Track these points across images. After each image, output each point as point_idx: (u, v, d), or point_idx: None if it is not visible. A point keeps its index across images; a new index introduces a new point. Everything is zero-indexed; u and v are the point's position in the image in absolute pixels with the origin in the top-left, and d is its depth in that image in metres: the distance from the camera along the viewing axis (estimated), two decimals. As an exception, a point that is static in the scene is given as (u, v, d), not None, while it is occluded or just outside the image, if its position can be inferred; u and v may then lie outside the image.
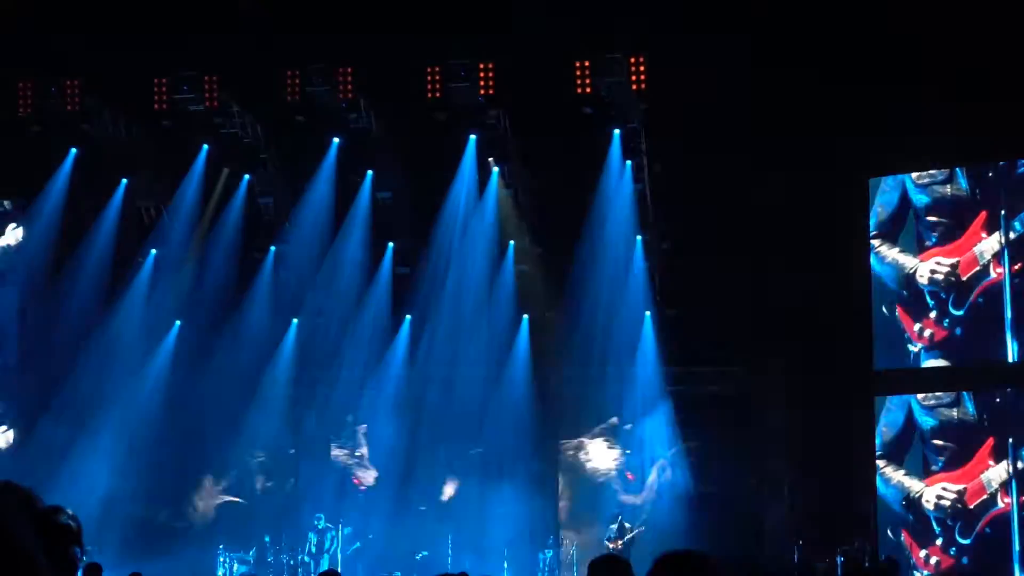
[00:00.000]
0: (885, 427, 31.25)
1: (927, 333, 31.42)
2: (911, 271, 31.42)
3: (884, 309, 31.73)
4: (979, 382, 30.66)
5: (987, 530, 30.52)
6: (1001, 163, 31.12)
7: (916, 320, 31.56)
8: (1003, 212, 31.10)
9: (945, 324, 31.37)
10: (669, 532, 30.15)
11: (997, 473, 30.58)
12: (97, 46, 30.27)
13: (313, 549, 30.65)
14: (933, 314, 31.45)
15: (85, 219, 32.99)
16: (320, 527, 30.86)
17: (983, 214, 31.34)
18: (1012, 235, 31.14)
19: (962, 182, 31.65)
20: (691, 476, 31.34)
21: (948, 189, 31.83)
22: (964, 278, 31.20)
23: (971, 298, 31.28)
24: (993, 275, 31.10)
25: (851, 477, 29.66)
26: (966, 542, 30.45)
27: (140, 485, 32.03)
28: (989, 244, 31.32)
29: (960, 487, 30.56)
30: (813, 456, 30.06)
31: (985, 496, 30.54)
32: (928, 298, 31.54)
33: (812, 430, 30.20)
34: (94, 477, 32.43)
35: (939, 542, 30.56)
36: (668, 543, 27.53)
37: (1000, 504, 30.43)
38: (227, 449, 32.49)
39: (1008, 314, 30.97)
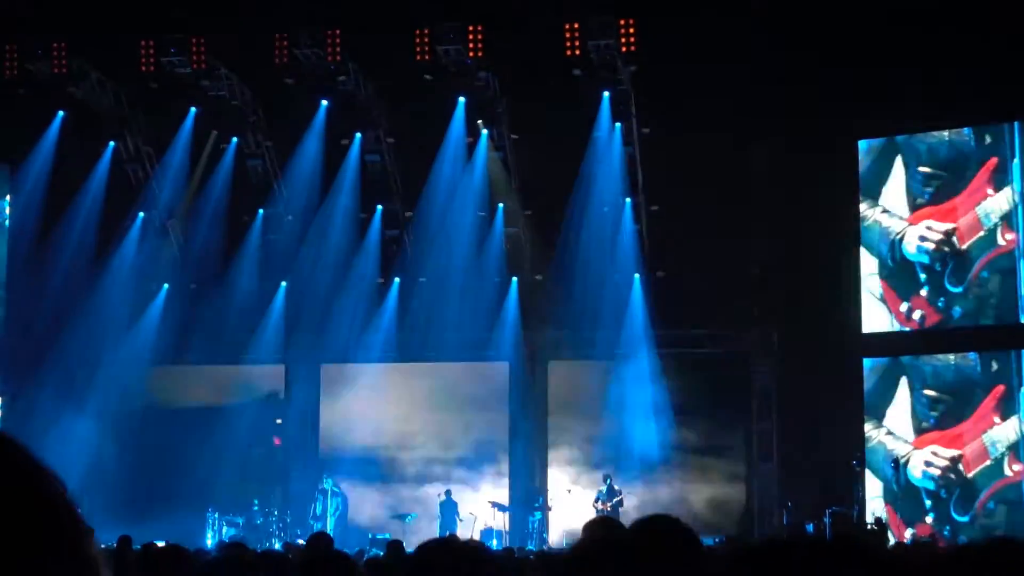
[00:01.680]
0: (864, 373, 29.92)
1: (917, 315, 29.44)
2: (897, 236, 29.60)
3: (864, 284, 30.11)
4: (987, 345, 28.55)
5: (990, 505, 27.77)
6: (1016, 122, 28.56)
7: (903, 298, 29.46)
8: (1016, 161, 28.27)
9: (940, 305, 29.12)
10: (659, 494, 30.21)
11: (1004, 433, 27.76)
12: (83, 8, 30.13)
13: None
14: (924, 291, 29.19)
15: (72, 182, 32.89)
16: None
17: (991, 163, 28.41)
18: None
19: (965, 128, 28.98)
20: (682, 437, 31.35)
21: (946, 134, 29.31)
22: (964, 246, 28.61)
23: (973, 272, 28.59)
24: (1002, 242, 28.21)
25: (841, 439, 29.61)
26: (963, 519, 27.96)
27: (128, 449, 32.03)
28: (997, 202, 28.38)
29: (956, 452, 28.31)
30: (803, 418, 30.05)
31: (988, 462, 27.85)
32: (918, 271, 29.30)
33: (802, 392, 30.18)
34: (82, 441, 32.44)
35: (929, 519, 28.32)
36: (658, 505, 27.60)
37: (1008, 472, 27.66)
38: (215, 413, 32.46)
39: (1023, 291, 28.12)
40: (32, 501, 1.34)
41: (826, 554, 2.48)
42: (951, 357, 29.05)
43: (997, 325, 28.73)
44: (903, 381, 29.35)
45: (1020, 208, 28.40)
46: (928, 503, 28.65)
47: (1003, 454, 27.96)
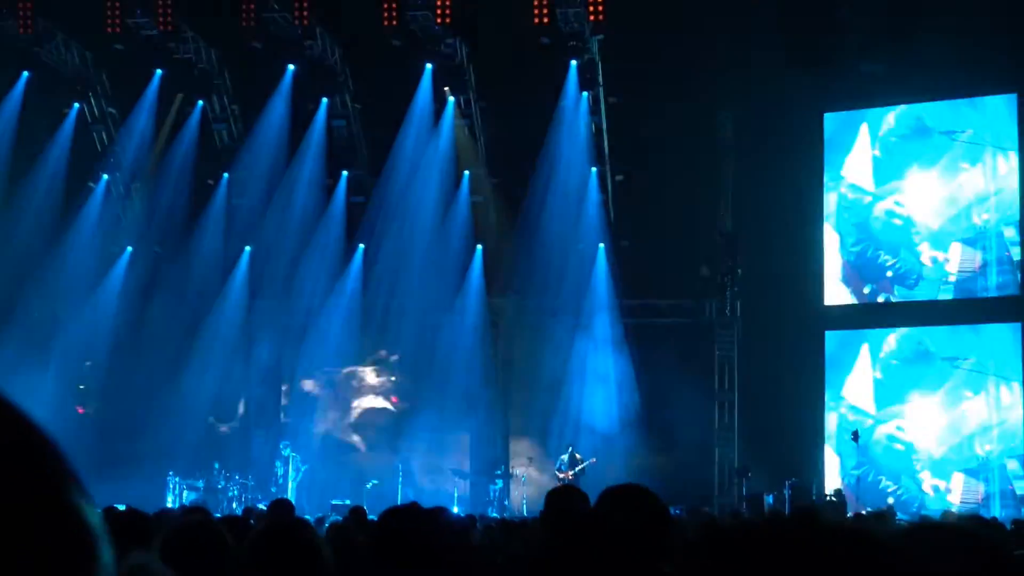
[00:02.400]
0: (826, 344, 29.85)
1: (881, 298, 29.56)
2: (864, 213, 29.70)
3: (826, 263, 30.16)
4: (953, 319, 28.60)
5: (957, 487, 27.68)
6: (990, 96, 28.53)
7: (867, 280, 29.52)
8: (988, 136, 28.22)
9: (908, 283, 29.19)
10: (620, 463, 30.27)
11: (974, 410, 27.85)
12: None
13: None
14: (890, 272, 29.32)
15: (37, 143, 32.75)
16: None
17: (966, 135, 28.37)
18: (1005, 166, 27.92)
19: (938, 101, 28.88)
20: (643, 407, 31.41)
21: (919, 105, 29.28)
22: (936, 225, 28.71)
23: (945, 252, 28.62)
24: (976, 221, 28.28)
25: (802, 411, 29.74)
26: (928, 501, 27.83)
27: (90, 410, 31.96)
28: (972, 179, 28.42)
29: (925, 425, 28.36)
30: (765, 389, 30.15)
31: (958, 441, 27.93)
32: (885, 250, 29.30)
33: (764, 363, 30.29)
34: (43, 401, 32.33)
35: (892, 500, 27.92)
36: (619, 475, 27.65)
37: (978, 452, 27.68)
38: (178, 376, 32.38)
39: (993, 277, 28.16)
40: (25, 462, 1.32)
41: (792, 537, 2.48)
42: (920, 330, 29.14)
43: (964, 299, 28.72)
44: (865, 352, 29.43)
45: (994, 185, 28.43)
46: (890, 485, 28.56)
47: (973, 433, 27.92)
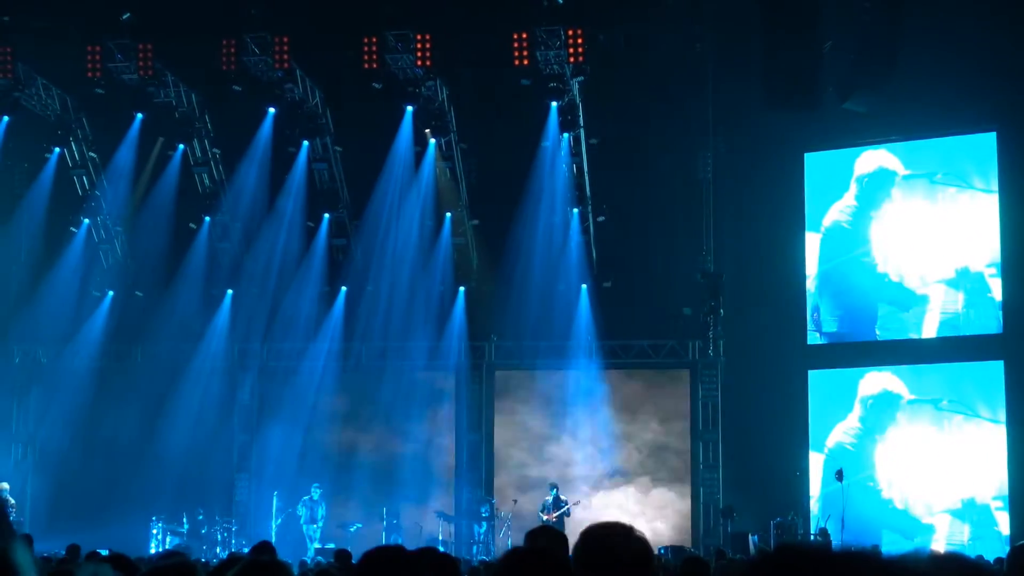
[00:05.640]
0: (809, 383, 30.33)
1: (864, 337, 30.19)
2: (843, 255, 30.26)
3: (807, 306, 30.69)
4: (937, 358, 29.04)
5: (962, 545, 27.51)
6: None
7: (849, 320, 30.27)
8: (968, 175, 28.87)
9: (881, 330, 29.86)
10: (603, 504, 30.20)
11: (958, 449, 28.05)
12: (29, 13, 29.92)
13: (306, 522, 30.28)
14: (881, 311, 29.93)
15: (18, 188, 32.72)
16: (316, 498, 30.48)
17: (946, 175, 29.05)
18: (985, 206, 28.54)
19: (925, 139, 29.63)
20: (627, 448, 31.37)
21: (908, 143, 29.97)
22: (918, 269, 29.30)
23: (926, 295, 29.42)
24: (958, 261, 29.15)
25: (786, 449, 29.72)
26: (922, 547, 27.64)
27: (72, 455, 31.83)
28: (952, 219, 29.32)
29: (908, 466, 28.64)
30: (749, 428, 30.14)
31: (942, 481, 28.22)
32: (865, 293, 29.98)
33: (748, 402, 30.29)
34: (27, 448, 32.26)
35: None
36: (602, 516, 27.54)
37: (962, 492, 28.05)
38: (160, 420, 32.24)
39: (975, 317, 28.88)
40: None
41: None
42: (902, 368, 29.40)
43: (947, 337, 29.07)
44: (847, 391, 29.60)
45: (974, 224, 28.76)
46: (882, 532, 28.65)
47: (957, 473, 28.01)
